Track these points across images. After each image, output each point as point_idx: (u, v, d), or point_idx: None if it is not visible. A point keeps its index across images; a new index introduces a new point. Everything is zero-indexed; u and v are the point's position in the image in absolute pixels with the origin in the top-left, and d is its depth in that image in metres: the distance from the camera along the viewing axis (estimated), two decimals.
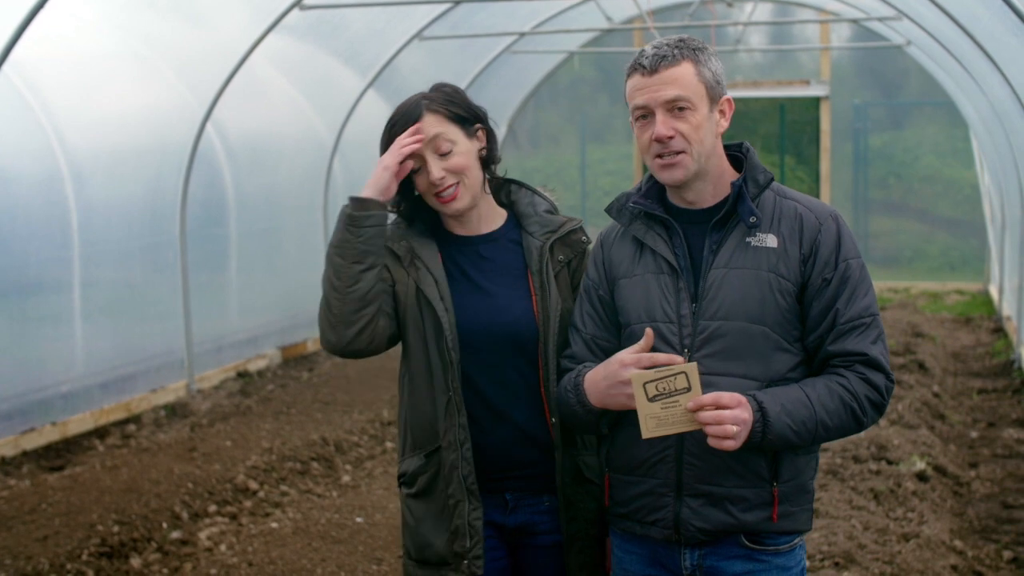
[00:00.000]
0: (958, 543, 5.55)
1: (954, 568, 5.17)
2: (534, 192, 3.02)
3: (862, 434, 6.95)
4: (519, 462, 2.89)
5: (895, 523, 5.57)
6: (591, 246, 2.94)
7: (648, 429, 2.48)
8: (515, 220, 2.99)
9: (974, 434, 7.74)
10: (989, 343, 10.93)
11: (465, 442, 2.83)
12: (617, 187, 15.24)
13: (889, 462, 6.47)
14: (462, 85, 12.52)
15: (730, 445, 2.46)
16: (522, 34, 12.65)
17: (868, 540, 5.21)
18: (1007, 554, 5.56)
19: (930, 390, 8.52)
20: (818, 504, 5.68)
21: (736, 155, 2.74)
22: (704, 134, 2.62)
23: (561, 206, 3.07)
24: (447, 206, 2.86)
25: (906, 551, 5.13)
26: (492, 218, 2.97)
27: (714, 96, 2.64)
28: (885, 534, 5.35)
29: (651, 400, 2.45)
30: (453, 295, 2.88)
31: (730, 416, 2.45)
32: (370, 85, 11.06)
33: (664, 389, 2.44)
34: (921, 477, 6.35)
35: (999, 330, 11.52)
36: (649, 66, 2.60)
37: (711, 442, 2.48)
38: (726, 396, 2.47)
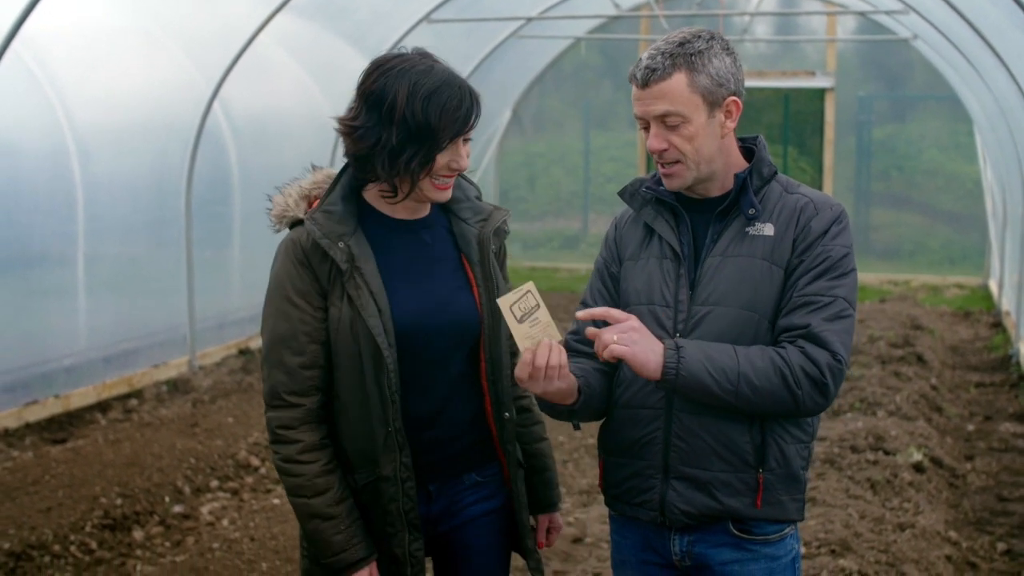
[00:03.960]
0: (953, 534, 5.61)
1: (948, 558, 5.23)
2: (460, 176, 2.86)
3: (859, 424, 6.99)
4: (451, 455, 2.83)
5: (891, 513, 5.62)
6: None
7: (523, 346, 2.54)
8: (437, 205, 2.84)
9: (971, 427, 7.79)
10: (988, 337, 10.97)
11: (408, 480, 2.72)
12: (620, 174, 15.24)
13: (886, 453, 6.51)
14: (468, 69, 12.54)
15: (622, 351, 2.47)
16: (529, 19, 12.65)
17: (864, 529, 5.26)
18: (1001, 546, 5.61)
19: (928, 383, 8.56)
20: (815, 493, 5.73)
21: (750, 147, 2.75)
22: (701, 143, 2.60)
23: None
24: (442, 193, 2.72)
25: (901, 540, 5.17)
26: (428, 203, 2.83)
27: (715, 100, 2.59)
28: (881, 523, 5.39)
29: (520, 321, 2.52)
30: (396, 290, 2.71)
31: (615, 327, 2.50)
32: None
33: (525, 308, 2.53)
34: (918, 468, 6.40)
35: (998, 325, 11.56)
36: (641, 79, 2.59)
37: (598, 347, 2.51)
38: (615, 311, 2.54)
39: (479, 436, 2.86)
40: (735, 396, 2.53)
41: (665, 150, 2.62)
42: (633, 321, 2.53)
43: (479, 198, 2.91)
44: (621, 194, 2.83)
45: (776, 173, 2.71)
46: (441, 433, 2.79)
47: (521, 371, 2.54)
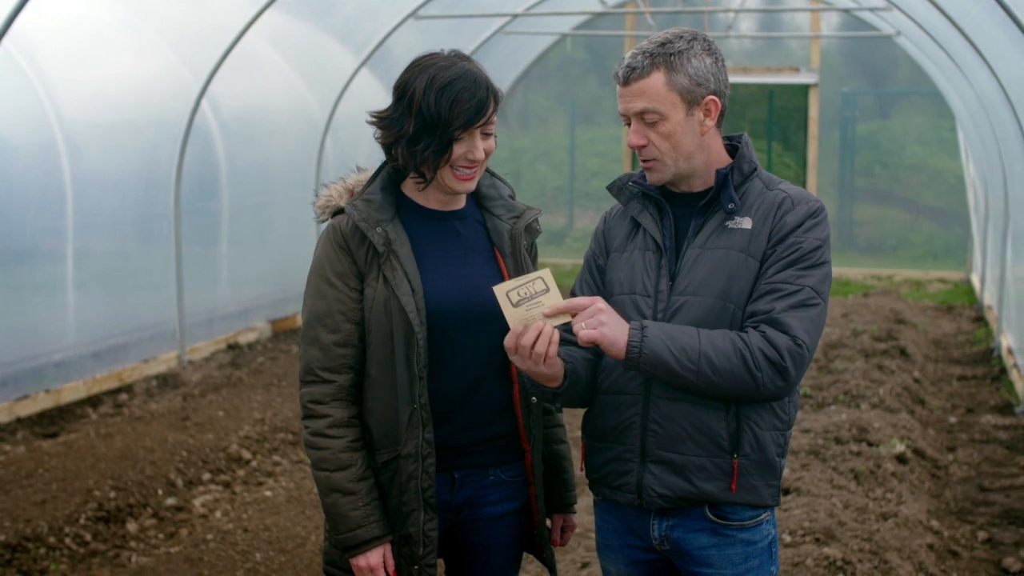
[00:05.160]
0: (935, 523, 5.69)
1: (930, 547, 5.31)
2: (494, 176, 3.03)
3: (843, 416, 7.08)
4: (480, 440, 2.91)
5: (874, 503, 5.70)
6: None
7: (514, 326, 2.61)
8: (473, 200, 2.99)
9: (953, 419, 7.89)
10: (970, 331, 11.09)
11: (428, 456, 2.79)
12: (606, 169, 15.32)
13: (870, 444, 6.60)
14: None
15: (592, 335, 2.56)
16: (515, 15, 12.70)
17: (848, 518, 5.34)
18: (982, 535, 5.71)
19: (911, 376, 8.66)
20: (800, 483, 5.82)
21: (735, 144, 2.84)
22: (678, 140, 2.71)
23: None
24: (463, 184, 2.82)
25: (884, 529, 5.26)
26: (463, 196, 2.96)
27: (693, 99, 2.70)
28: (864, 513, 5.48)
29: (515, 306, 2.60)
30: (430, 272, 2.83)
31: (582, 315, 2.58)
32: (363, 64, 11.11)
33: (525, 294, 2.60)
34: (900, 459, 6.49)
35: (980, 319, 11.68)
36: (622, 77, 2.72)
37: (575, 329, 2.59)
38: (580, 298, 2.63)
39: (507, 427, 2.94)
40: (696, 375, 2.61)
41: (644, 146, 2.73)
42: (599, 303, 2.62)
43: (512, 197, 3.03)
44: (610, 188, 2.93)
45: (756, 169, 2.80)
46: (471, 417, 2.88)
47: (508, 341, 2.62)
